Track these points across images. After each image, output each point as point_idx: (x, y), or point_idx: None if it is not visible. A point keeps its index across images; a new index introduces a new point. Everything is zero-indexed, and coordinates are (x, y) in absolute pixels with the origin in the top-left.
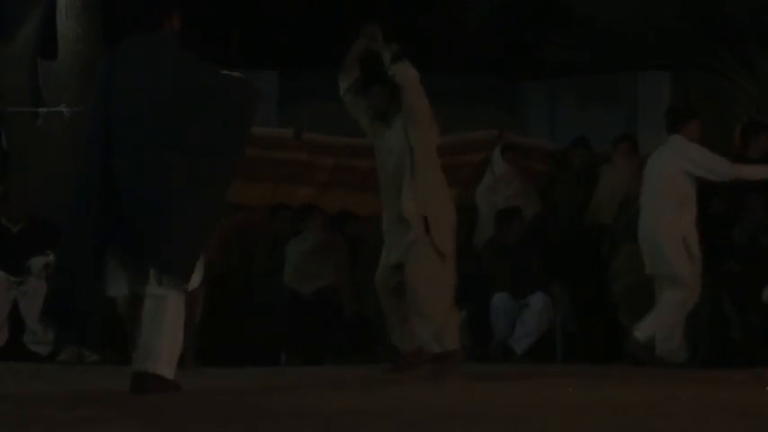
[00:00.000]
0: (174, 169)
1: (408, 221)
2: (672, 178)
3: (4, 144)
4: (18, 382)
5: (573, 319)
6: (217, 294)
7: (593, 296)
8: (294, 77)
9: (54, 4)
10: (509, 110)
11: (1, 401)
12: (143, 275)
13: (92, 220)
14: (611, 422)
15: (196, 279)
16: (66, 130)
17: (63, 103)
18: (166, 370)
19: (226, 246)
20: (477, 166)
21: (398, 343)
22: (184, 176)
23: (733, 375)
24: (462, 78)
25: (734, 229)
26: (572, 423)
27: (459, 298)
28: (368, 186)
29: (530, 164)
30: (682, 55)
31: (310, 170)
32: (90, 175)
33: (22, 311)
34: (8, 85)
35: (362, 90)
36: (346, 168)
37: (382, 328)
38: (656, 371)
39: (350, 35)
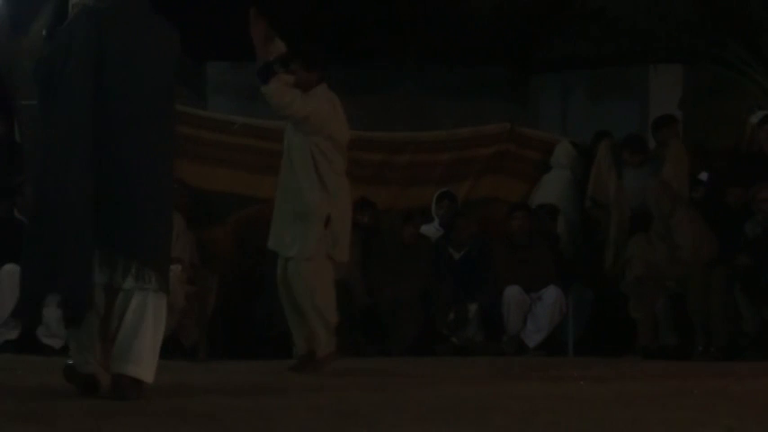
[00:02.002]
0: (159, 154)
1: (304, 217)
2: None
3: (18, 137)
4: (32, 375)
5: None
6: (229, 287)
7: (605, 289)
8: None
9: None
10: (520, 103)
11: (14, 394)
12: (124, 268)
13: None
14: (623, 415)
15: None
16: None
17: None
18: (148, 373)
19: (239, 238)
20: (488, 159)
21: (296, 340)
22: (165, 164)
23: (745, 368)
24: (473, 71)
25: (746, 222)
26: (584, 416)
27: (472, 291)
28: (380, 179)
29: (524, 152)
30: (694, 47)
31: None
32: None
33: None
34: (22, 79)
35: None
36: (359, 161)
37: (394, 321)
38: (668, 364)
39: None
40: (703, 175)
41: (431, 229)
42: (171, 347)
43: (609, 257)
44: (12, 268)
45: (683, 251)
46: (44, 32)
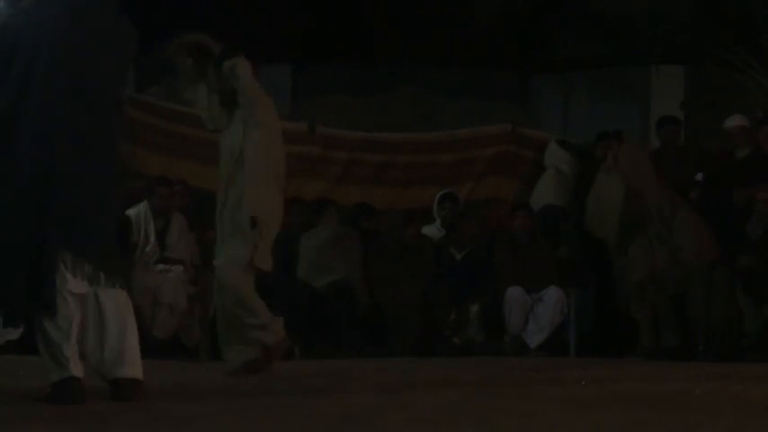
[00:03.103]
0: (106, 147)
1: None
2: None
3: None
4: (33, 377)
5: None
6: None
7: (607, 291)
8: (307, 70)
9: None
10: (522, 104)
11: (16, 396)
12: (94, 274)
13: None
14: (624, 416)
15: None
16: None
17: None
18: (139, 371)
19: None
20: (490, 160)
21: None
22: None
23: (747, 369)
24: (475, 73)
25: (748, 223)
26: (585, 417)
27: (473, 292)
28: (381, 180)
29: (526, 153)
30: (696, 48)
31: (324, 164)
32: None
33: None
34: None
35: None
36: (360, 162)
37: (396, 321)
38: (670, 365)
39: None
40: (699, 176)
41: (432, 230)
42: (173, 348)
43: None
44: None
45: (685, 253)
46: None
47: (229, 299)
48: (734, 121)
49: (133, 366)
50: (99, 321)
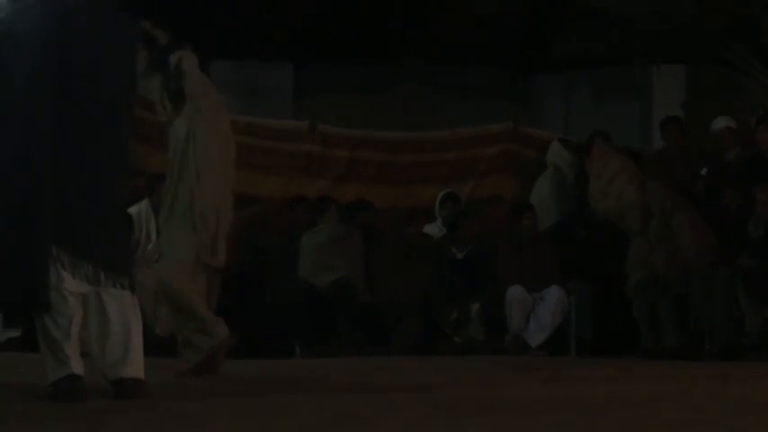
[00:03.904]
0: (115, 149)
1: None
2: None
3: None
4: (35, 374)
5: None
6: (232, 286)
7: (608, 290)
8: (309, 69)
9: None
10: (523, 103)
11: (19, 393)
12: (94, 274)
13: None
14: (623, 416)
15: None
16: None
17: None
18: (141, 371)
19: (241, 238)
20: (491, 158)
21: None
22: (122, 157)
23: (747, 369)
24: (476, 71)
25: (749, 223)
26: (584, 417)
27: (474, 291)
28: (383, 178)
29: (527, 152)
30: (698, 48)
31: (325, 162)
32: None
33: None
34: None
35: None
36: (361, 161)
37: (397, 320)
38: (670, 365)
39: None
40: (704, 171)
41: (434, 229)
42: (174, 346)
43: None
44: None
45: (685, 252)
46: None
47: (170, 303)
48: (720, 123)
49: (136, 366)
50: (101, 321)
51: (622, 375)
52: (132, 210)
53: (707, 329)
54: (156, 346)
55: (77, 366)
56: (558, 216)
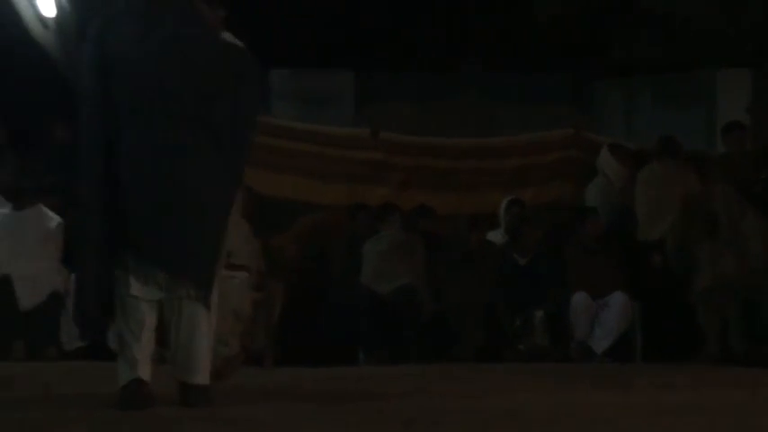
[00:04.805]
0: (202, 152)
1: None
2: None
3: None
4: (100, 382)
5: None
6: (295, 294)
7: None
8: (370, 77)
9: None
10: (584, 109)
11: (82, 401)
12: (167, 281)
13: (95, 217)
14: (694, 423)
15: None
16: None
17: None
18: (207, 378)
19: (304, 245)
20: (552, 164)
21: None
22: (211, 161)
23: None
24: (536, 78)
25: None
26: (648, 424)
27: (538, 298)
28: (445, 185)
29: (589, 157)
30: (763, 52)
31: (387, 170)
32: (90, 162)
33: None
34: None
35: None
36: (423, 168)
37: (461, 327)
38: (738, 371)
39: (426, 34)
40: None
41: (497, 236)
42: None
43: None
44: None
45: (753, 258)
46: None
47: None
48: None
49: (201, 373)
50: (173, 328)
51: (690, 382)
52: None
53: None
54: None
55: (144, 371)
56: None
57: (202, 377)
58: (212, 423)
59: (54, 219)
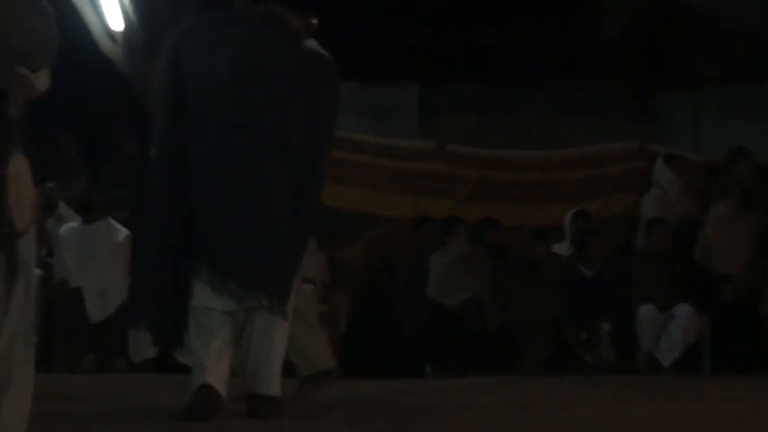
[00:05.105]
0: (275, 162)
1: None
2: None
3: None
4: (168, 394)
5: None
6: (361, 306)
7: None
8: (435, 90)
9: None
10: (650, 121)
11: (151, 413)
12: (240, 292)
13: (165, 228)
14: None
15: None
16: None
17: None
18: (277, 389)
19: (370, 258)
20: (619, 176)
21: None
22: (286, 171)
23: None
24: (601, 90)
25: None
26: None
27: (604, 310)
28: (510, 197)
29: (649, 167)
30: None
31: (453, 182)
32: (163, 173)
33: None
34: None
35: None
36: (489, 180)
37: (526, 340)
38: None
39: (491, 46)
40: None
41: (562, 248)
42: None
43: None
44: None
45: None
46: None
47: None
48: None
49: (271, 383)
50: (247, 338)
51: (759, 394)
52: None
53: None
54: (284, 365)
55: (212, 378)
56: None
57: (272, 388)
58: None
59: (122, 231)
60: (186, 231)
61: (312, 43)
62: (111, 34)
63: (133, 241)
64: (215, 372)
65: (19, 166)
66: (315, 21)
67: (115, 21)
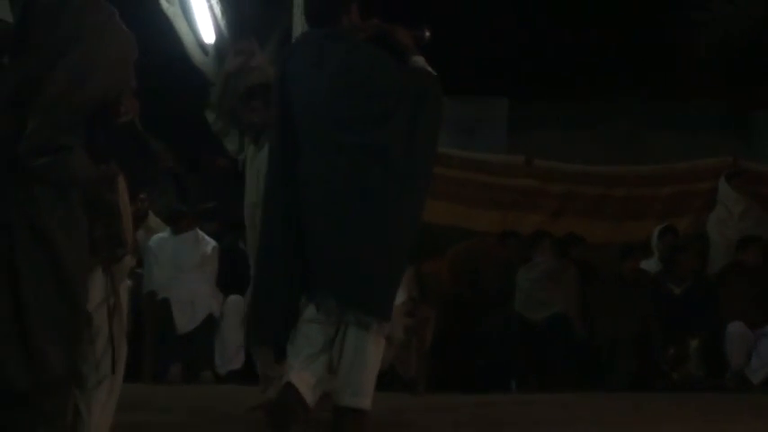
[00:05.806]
0: (374, 177)
1: None
2: None
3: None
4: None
5: None
6: (448, 320)
7: None
8: (524, 105)
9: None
10: (742, 138)
11: (235, 424)
12: (337, 307)
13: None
14: None
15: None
16: None
17: None
18: (367, 402)
19: (457, 272)
20: (709, 193)
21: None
22: (386, 188)
23: None
24: (692, 106)
25: None
26: None
27: (693, 327)
28: (597, 213)
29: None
30: None
31: (541, 197)
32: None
33: None
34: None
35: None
36: (577, 195)
37: (613, 356)
38: None
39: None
40: None
41: (650, 264)
42: (389, 380)
43: None
44: (236, 299)
45: None
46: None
47: None
48: None
49: (357, 396)
50: (339, 352)
51: None
52: None
53: None
54: None
55: (297, 378)
56: (726, 258)
57: (360, 401)
58: None
59: (210, 243)
60: (296, 248)
61: (420, 60)
62: (203, 46)
63: (221, 253)
64: (301, 375)
65: (121, 184)
66: (428, 33)
67: (207, 33)
